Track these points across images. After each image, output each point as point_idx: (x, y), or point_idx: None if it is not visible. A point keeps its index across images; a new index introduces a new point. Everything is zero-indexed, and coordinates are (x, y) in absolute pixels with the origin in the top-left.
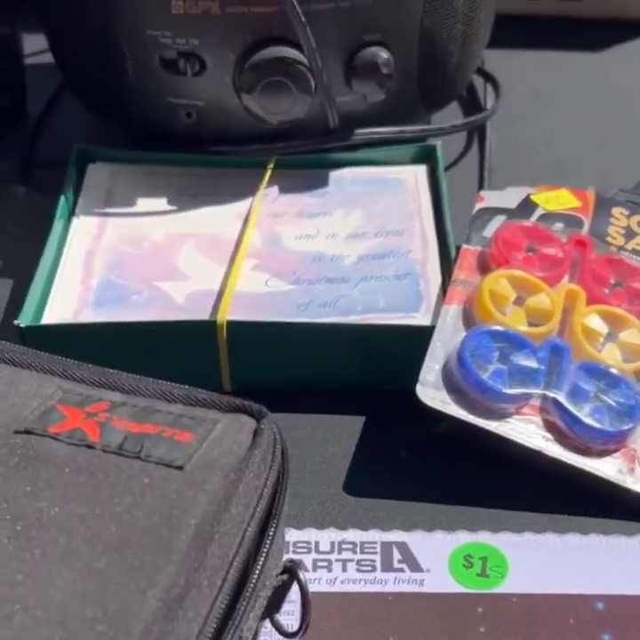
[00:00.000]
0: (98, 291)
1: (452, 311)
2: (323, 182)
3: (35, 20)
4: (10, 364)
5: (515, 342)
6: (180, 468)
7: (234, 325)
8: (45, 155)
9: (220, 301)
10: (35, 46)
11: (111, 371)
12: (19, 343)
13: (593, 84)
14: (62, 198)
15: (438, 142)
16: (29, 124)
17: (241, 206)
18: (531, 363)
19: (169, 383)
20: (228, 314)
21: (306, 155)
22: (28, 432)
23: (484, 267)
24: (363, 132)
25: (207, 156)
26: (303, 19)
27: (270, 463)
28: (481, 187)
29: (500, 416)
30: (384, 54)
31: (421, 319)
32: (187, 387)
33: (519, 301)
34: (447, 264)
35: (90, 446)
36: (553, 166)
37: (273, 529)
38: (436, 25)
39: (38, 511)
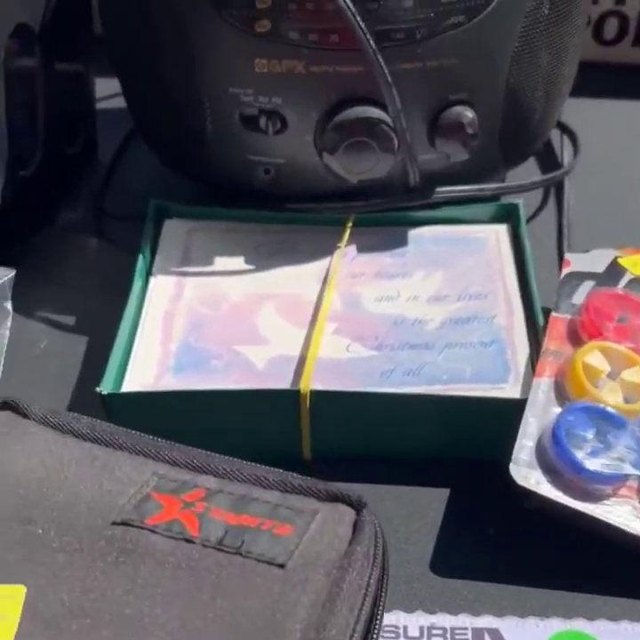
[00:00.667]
0: (177, 355)
1: (544, 384)
2: (402, 241)
3: (105, 61)
4: (102, 444)
5: (611, 420)
6: (282, 565)
7: (317, 395)
8: (116, 204)
9: (301, 368)
10: (105, 89)
11: (203, 453)
12: (99, 409)
13: None
14: (140, 257)
15: (520, 201)
16: (100, 170)
17: (319, 265)
18: (628, 442)
19: (263, 467)
20: (311, 382)
21: (385, 212)
22: (125, 524)
23: (575, 336)
24: (443, 191)
25: (285, 213)
26: (390, 79)
27: (372, 560)
28: (560, 244)
29: (597, 498)
30: (469, 114)
31: (510, 391)
32: (281, 471)
33: (613, 375)
34: (534, 330)
35: (189, 540)
36: (636, 222)
37: (375, 632)
38: (521, 83)
39: (139, 612)
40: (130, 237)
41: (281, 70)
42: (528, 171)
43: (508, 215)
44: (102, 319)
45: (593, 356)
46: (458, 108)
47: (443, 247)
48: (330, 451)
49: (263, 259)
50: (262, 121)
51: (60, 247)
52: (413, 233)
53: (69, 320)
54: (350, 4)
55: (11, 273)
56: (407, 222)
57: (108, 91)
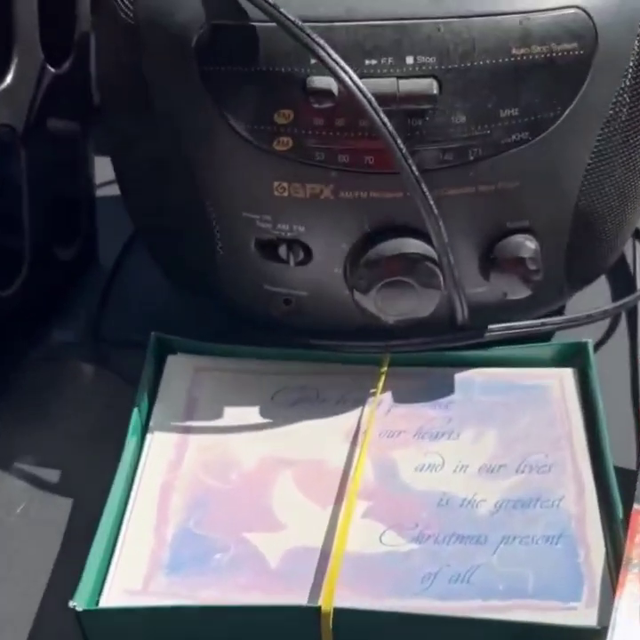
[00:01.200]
0: (173, 546)
1: (628, 608)
2: (447, 388)
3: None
4: None
5: None
6: None
7: (342, 614)
8: (118, 322)
9: (323, 567)
10: (106, 172)
11: None
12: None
13: None
14: (135, 411)
15: (589, 341)
16: (99, 279)
17: (348, 420)
18: None
19: None
20: (335, 595)
21: (427, 352)
22: None
23: None
24: (497, 328)
25: (308, 350)
26: (435, 210)
27: None
28: (635, 387)
29: None
30: (531, 245)
31: (584, 614)
32: None
33: None
34: (610, 520)
35: None
36: None
37: None
38: (593, 204)
39: None
40: (134, 364)
41: (304, 195)
42: (593, 291)
43: (573, 355)
44: (92, 476)
45: None
46: (517, 238)
47: (496, 397)
48: None
49: (281, 410)
50: (282, 250)
51: (49, 377)
52: (461, 378)
53: (53, 476)
54: (387, 122)
55: None
56: (453, 363)
57: (109, 174)
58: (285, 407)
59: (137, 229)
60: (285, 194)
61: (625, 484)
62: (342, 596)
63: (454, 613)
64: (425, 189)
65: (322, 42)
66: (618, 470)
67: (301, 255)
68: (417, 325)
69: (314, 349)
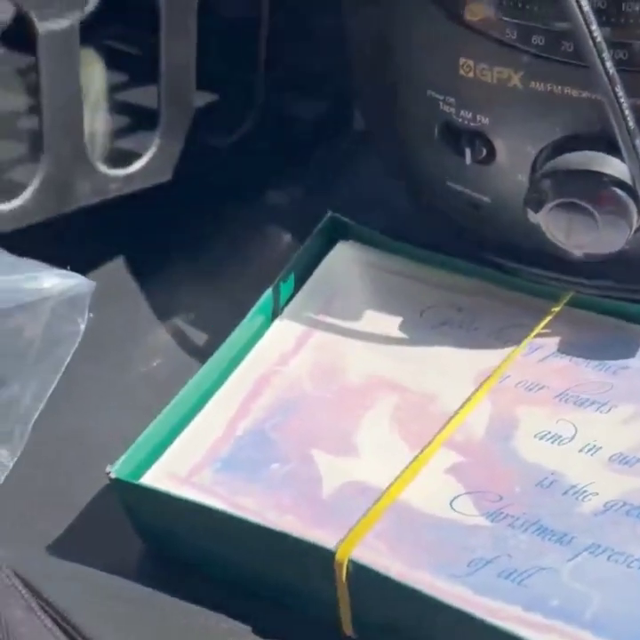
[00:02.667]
0: (240, 442)
1: None
2: (626, 349)
3: None
4: None
5: None
6: None
7: (358, 569)
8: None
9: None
10: None
11: None
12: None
13: None
14: (267, 291)
15: None
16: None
17: (492, 358)
18: None
19: None
20: (358, 545)
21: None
22: None
23: None
24: None
25: (480, 266)
26: (630, 120)
27: None
28: None
29: None
30: None
31: None
32: None
33: None
34: None
35: None
36: None
37: None
38: None
39: None
40: None
41: (491, 80)
42: None
43: None
44: None
45: None
46: None
47: None
48: (377, 635)
49: (425, 329)
50: (462, 142)
51: (244, 238)
52: None
53: (200, 338)
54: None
55: (91, 286)
56: None
57: None
58: (431, 327)
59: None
60: (471, 74)
61: None
62: (373, 549)
63: (477, 612)
64: (618, 91)
65: None
66: None
67: (483, 152)
68: (614, 265)
69: (484, 265)
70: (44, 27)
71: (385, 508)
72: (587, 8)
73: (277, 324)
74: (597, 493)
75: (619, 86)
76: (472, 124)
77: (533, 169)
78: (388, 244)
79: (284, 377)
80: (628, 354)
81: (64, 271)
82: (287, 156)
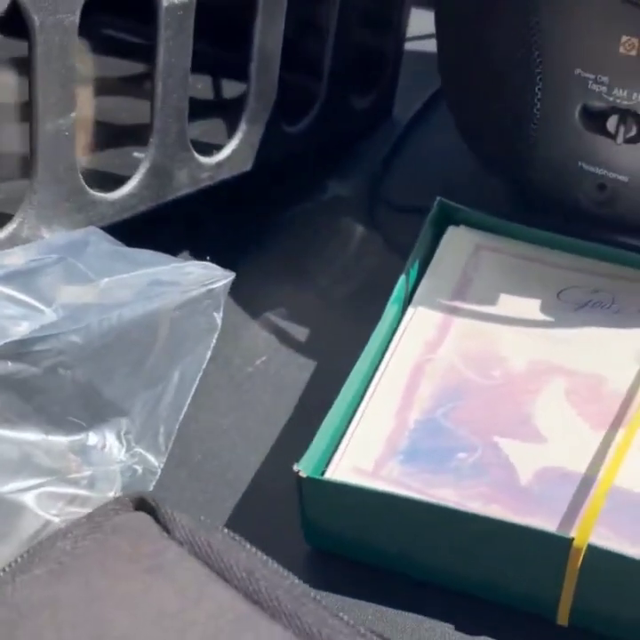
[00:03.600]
0: (415, 433)
1: None
2: None
3: None
4: (256, 604)
5: None
6: None
7: (596, 553)
8: (399, 185)
9: (582, 498)
10: (416, 26)
11: None
12: (296, 490)
13: None
14: (402, 278)
15: None
16: (388, 137)
17: None
18: None
19: None
20: (592, 531)
21: None
22: None
23: None
24: None
25: (613, 248)
26: None
27: None
28: None
29: None
30: None
31: None
32: None
33: None
34: None
35: None
36: None
37: None
38: None
39: None
40: (407, 231)
41: None
42: None
43: None
44: (344, 342)
45: None
46: None
47: None
48: (594, 624)
49: (565, 311)
50: (612, 122)
51: (316, 229)
52: None
53: (301, 335)
54: None
55: (229, 277)
56: None
57: (419, 28)
58: (572, 309)
59: (445, 86)
60: (633, 53)
61: None
62: (600, 533)
63: None
64: None
65: None
66: None
67: (634, 131)
68: None
69: (620, 248)
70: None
71: (604, 493)
72: None
73: (411, 311)
74: None
75: None
76: (625, 103)
77: None
78: (500, 227)
79: (436, 365)
80: None
81: (203, 262)
82: (342, 147)
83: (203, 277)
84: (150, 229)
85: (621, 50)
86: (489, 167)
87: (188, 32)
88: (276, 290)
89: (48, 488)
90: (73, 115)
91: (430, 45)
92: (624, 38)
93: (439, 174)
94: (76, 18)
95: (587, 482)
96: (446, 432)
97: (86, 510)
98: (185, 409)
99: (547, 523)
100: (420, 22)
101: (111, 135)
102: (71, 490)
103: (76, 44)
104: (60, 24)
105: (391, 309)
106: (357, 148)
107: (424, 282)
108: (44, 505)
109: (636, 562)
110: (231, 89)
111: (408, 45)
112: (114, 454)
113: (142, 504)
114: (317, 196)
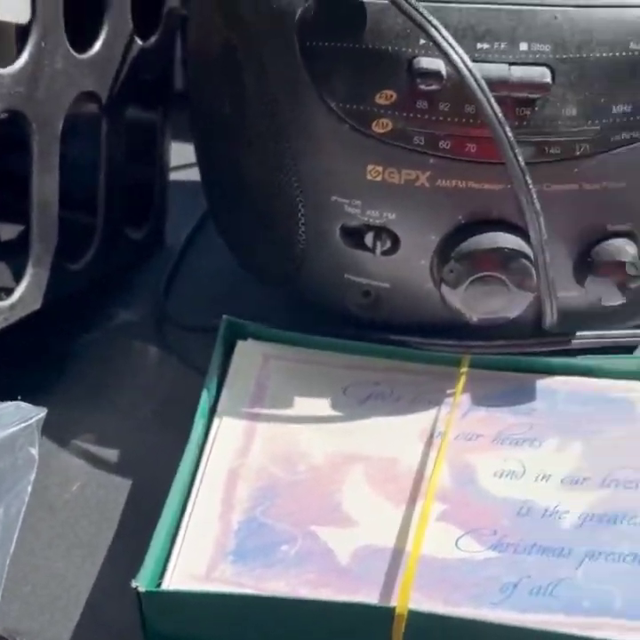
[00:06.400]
0: (240, 534)
1: None
2: (528, 394)
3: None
4: None
5: None
6: None
7: (417, 618)
8: (183, 306)
9: (396, 568)
10: (179, 157)
11: None
12: (135, 603)
13: None
14: (204, 392)
15: None
16: (165, 262)
17: (424, 420)
18: None
19: None
20: (410, 597)
21: (510, 355)
22: None
23: None
24: (586, 336)
25: (386, 345)
26: (537, 205)
27: None
28: None
29: None
30: (631, 249)
31: None
32: None
33: None
34: None
35: None
36: None
37: None
38: None
39: None
40: (198, 348)
41: (399, 181)
42: None
43: None
44: (154, 458)
45: None
46: (617, 242)
47: (581, 408)
48: None
49: (353, 405)
50: (369, 238)
51: (111, 355)
52: (543, 384)
53: (112, 457)
54: (496, 108)
55: (41, 413)
56: (537, 369)
57: (181, 158)
58: (357, 402)
59: (212, 212)
60: (379, 178)
61: None
62: (416, 599)
63: (537, 626)
64: (529, 182)
65: (435, 21)
66: None
67: (388, 244)
68: (502, 327)
69: (390, 345)
70: None
71: (414, 562)
72: (500, 114)
73: (217, 422)
74: (568, 511)
75: (528, 176)
76: (378, 221)
77: (439, 253)
78: (284, 337)
79: (249, 468)
80: (531, 398)
81: (14, 402)
82: (124, 276)
83: (15, 416)
84: None
85: (368, 177)
86: (264, 283)
87: None
88: (82, 416)
89: None
90: None
91: (194, 174)
92: (370, 167)
93: (223, 292)
94: None
95: (397, 554)
96: (268, 528)
97: None
98: (13, 544)
99: (369, 596)
100: (184, 153)
101: None
102: None
103: None
104: None
105: (199, 423)
106: (138, 276)
107: (223, 394)
108: None
109: (451, 618)
110: (14, 232)
111: (175, 175)
112: None
113: None
114: (108, 322)
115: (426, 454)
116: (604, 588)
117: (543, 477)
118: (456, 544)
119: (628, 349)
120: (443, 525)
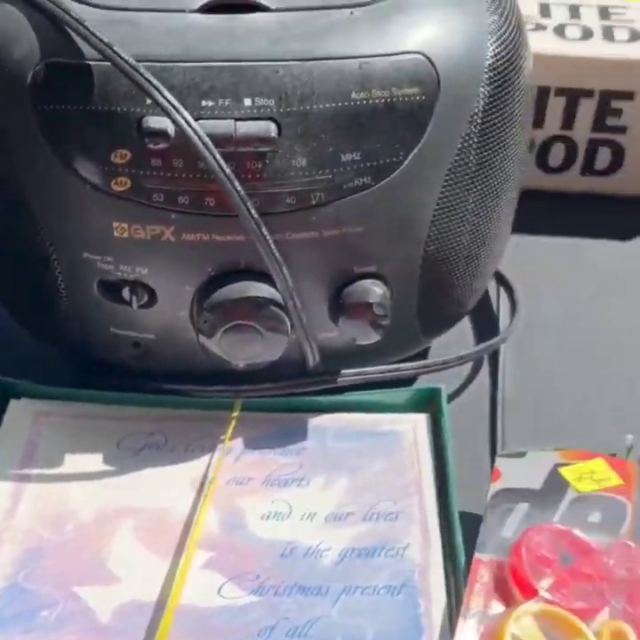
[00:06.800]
0: (1, 601)
1: None
2: (299, 434)
3: None
4: None
5: None
6: None
7: None
8: None
9: (156, 623)
10: None
11: None
12: None
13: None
14: None
15: (442, 387)
16: None
17: (196, 467)
18: None
19: None
20: None
21: (280, 397)
22: None
23: (504, 589)
24: (350, 373)
25: (157, 395)
26: (277, 254)
27: None
28: (493, 434)
29: None
30: (378, 290)
31: None
32: None
33: None
34: (453, 568)
35: None
36: (584, 403)
37: None
38: (442, 249)
39: None
40: None
41: (145, 237)
42: (458, 338)
43: (428, 401)
44: None
45: (525, 625)
46: (365, 284)
47: (348, 443)
48: None
49: (127, 458)
50: (125, 292)
51: None
52: (314, 423)
53: None
54: (223, 164)
55: None
56: (307, 408)
57: None
58: (131, 454)
59: None
60: (126, 235)
61: (475, 531)
62: None
63: None
64: (265, 233)
65: (156, 82)
66: (470, 516)
67: (145, 298)
68: (269, 370)
69: (163, 394)
70: None
71: (170, 613)
72: (227, 170)
73: None
74: (330, 548)
75: (264, 227)
76: (132, 276)
77: (195, 304)
78: (58, 393)
79: (16, 530)
80: (302, 437)
81: None
82: None
83: None
84: None
85: (116, 233)
86: (36, 338)
87: None
88: None
89: None
90: None
91: None
92: (115, 224)
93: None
94: None
95: (159, 607)
96: (29, 593)
97: None
98: None
99: None
100: None
101: None
102: None
103: None
104: None
105: None
106: None
107: None
108: None
109: None
110: None
111: None
112: None
113: None
114: None
115: (196, 503)
116: (358, 622)
117: (308, 516)
118: (219, 591)
119: (401, 383)
120: (208, 573)
